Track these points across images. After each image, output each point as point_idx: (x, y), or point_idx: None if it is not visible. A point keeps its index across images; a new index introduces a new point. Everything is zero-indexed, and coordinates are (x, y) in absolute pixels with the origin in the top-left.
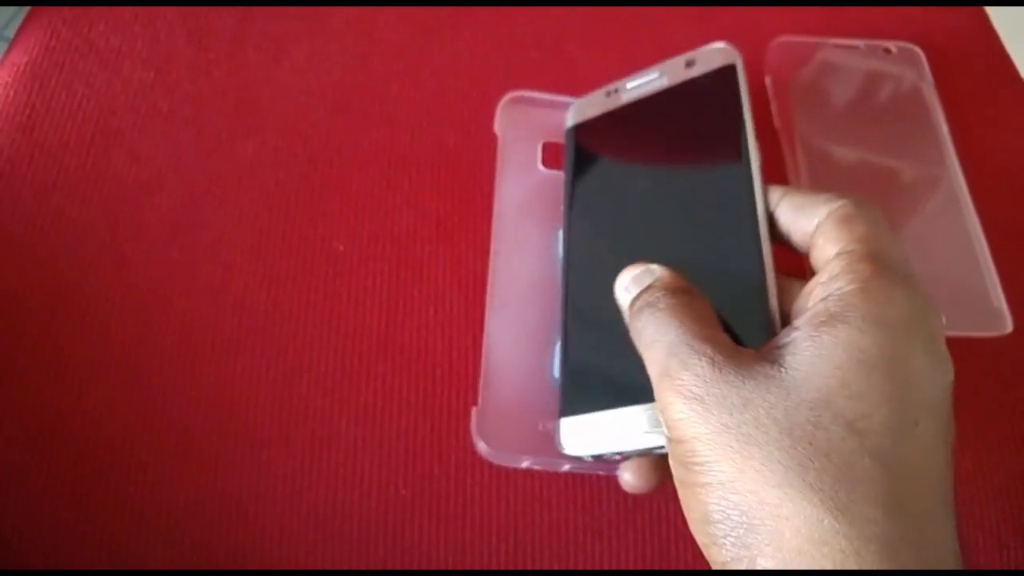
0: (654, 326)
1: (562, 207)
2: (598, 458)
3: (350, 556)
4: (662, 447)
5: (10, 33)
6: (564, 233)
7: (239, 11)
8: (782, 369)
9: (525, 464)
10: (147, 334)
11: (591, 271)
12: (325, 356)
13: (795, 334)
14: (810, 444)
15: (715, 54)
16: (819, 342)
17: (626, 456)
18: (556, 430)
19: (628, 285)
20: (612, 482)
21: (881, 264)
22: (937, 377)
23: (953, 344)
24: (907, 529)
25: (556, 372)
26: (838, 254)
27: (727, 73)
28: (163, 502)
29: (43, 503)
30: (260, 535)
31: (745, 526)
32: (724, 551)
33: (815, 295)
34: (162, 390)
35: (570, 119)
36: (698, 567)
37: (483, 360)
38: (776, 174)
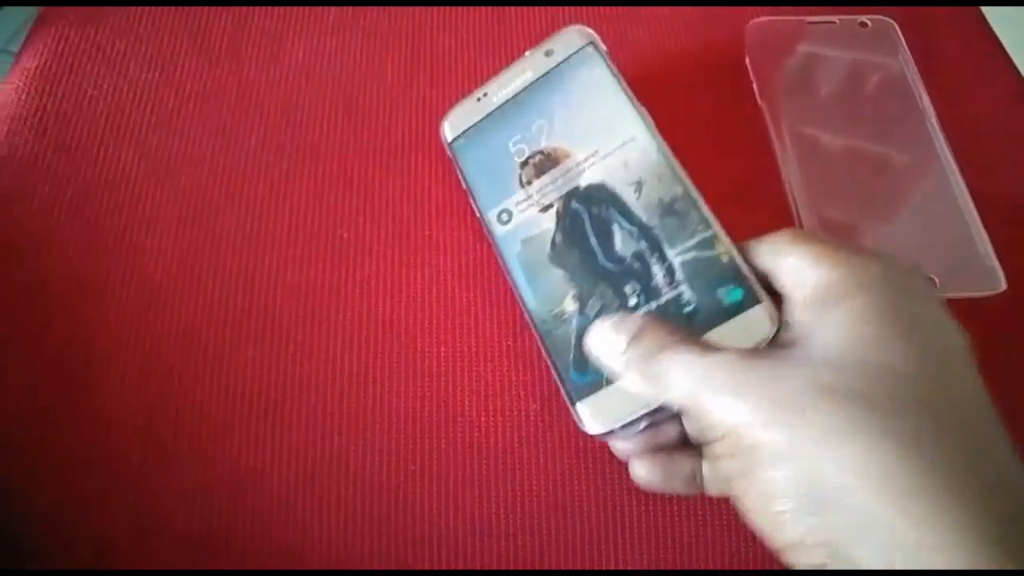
0: (675, 368)
1: (479, 214)
2: (625, 428)
3: (362, 532)
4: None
5: (14, 48)
6: (496, 241)
7: (238, 12)
8: (802, 348)
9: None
10: (160, 320)
11: (540, 263)
12: (333, 338)
13: (796, 323)
14: (858, 395)
15: (572, 37)
16: (826, 319)
17: (651, 419)
18: (575, 415)
19: (609, 336)
20: (610, 452)
21: (846, 250)
22: (949, 329)
23: (951, 306)
24: (969, 459)
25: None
26: (800, 260)
27: (589, 53)
28: (179, 481)
29: (65, 483)
30: (271, 513)
31: (813, 492)
32: (792, 527)
33: (796, 294)
34: (176, 373)
35: (449, 132)
36: (700, 531)
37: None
38: (763, 151)
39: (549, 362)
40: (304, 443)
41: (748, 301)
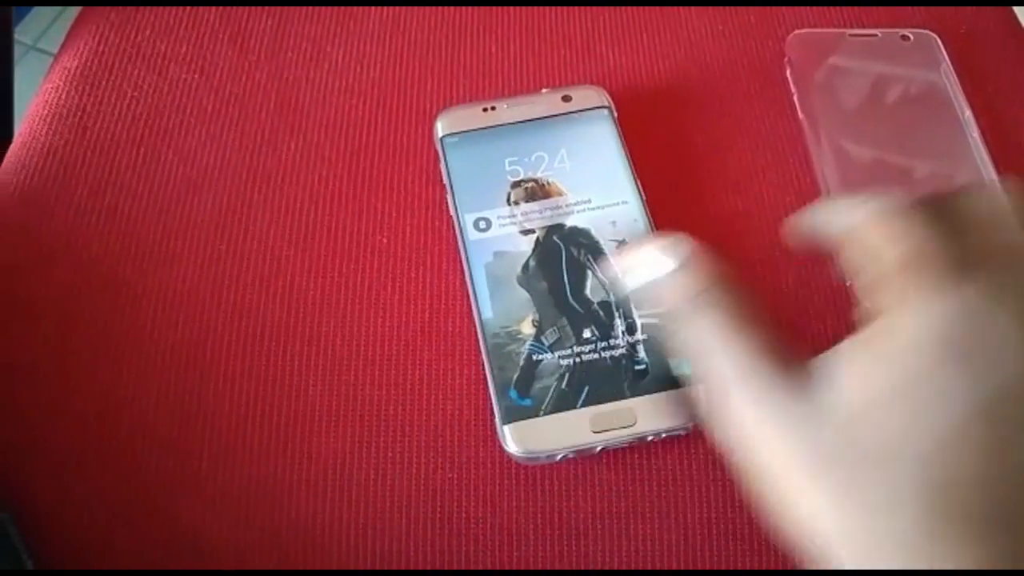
0: (705, 341)
1: (454, 214)
2: (550, 458)
3: (400, 540)
4: (606, 446)
5: (43, 45)
6: (466, 244)
7: (278, 13)
8: (823, 395)
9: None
10: (198, 324)
11: (507, 280)
12: (372, 344)
13: (840, 351)
14: (845, 475)
15: (591, 93)
16: (854, 365)
17: (576, 454)
18: (499, 433)
19: (653, 256)
20: (648, 464)
21: (915, 274)
22: (966, 391)
23: None
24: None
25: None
26: (878, 265)
27: (603, 114)
28: (214, 485)
29: (102, 486)
30: (309, 518)
31: (795, 525)
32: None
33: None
34: (213, 378)
35: (442, 128)
36: (739, 546)
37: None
38: (802, 165)
39: (488, 375)
40: (343, 448)
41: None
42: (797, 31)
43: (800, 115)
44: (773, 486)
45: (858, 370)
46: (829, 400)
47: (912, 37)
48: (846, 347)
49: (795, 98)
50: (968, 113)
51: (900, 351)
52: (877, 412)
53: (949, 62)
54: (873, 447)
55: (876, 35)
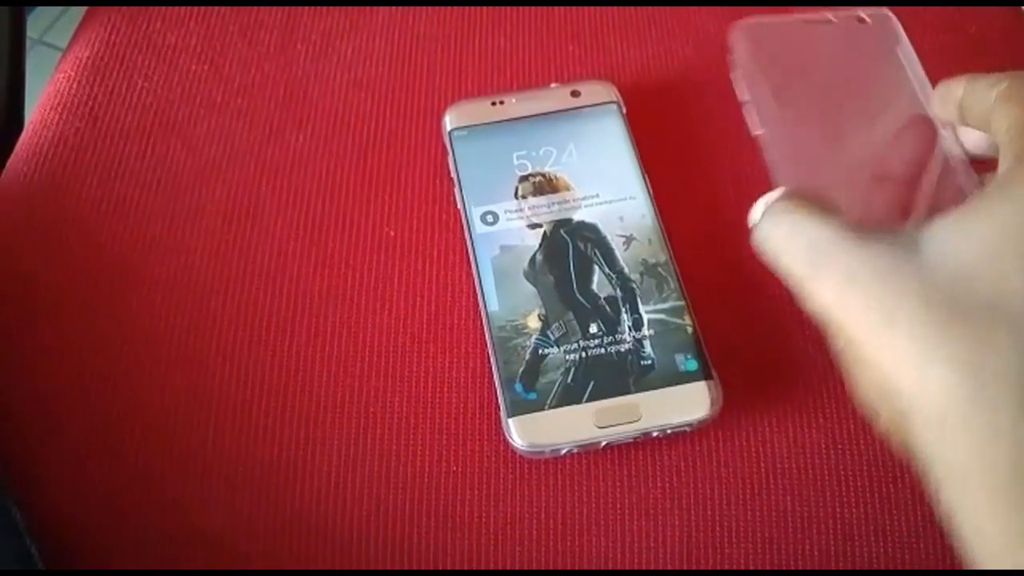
0: (787, 226)
1: (462, 207)
2: (554, 452)
3: (403, 532)
4: (610, 441)
5: (50, 39)
6: (473, 238)
7: (288, 8)
8: (926, 251)
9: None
10: (205, 312)
11: (514, 274)
12: (377, 337)
13: (944, 217)
14: (948, 318)
15: (600, 88)
16: (963, 217)
17: (580, 448)
18: (504, 426)
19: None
20: (652, 460)
21: None
22: None
23: None
24: None
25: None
26: (1002, 136)
27: (612, 109)
28: (219, 474)
29: (109, 473)
30: (312, 508)
31: (893, 395)
32: (881, 423)
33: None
34: (219, 367)
35: (450, 122)
36: (741, 546)
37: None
38: (755, 165)
39: (493, 369)
40: (347, 439)
41: (699, 375)
42: (740, 20)
43: (749, 110)
44: (876, 344)
45: (967, 228)
46: (935, 255)
47: (868, 19)
48: (951, 214)
49: (742, 93)
50: (929, 91)
51: (1013, 207)
52: (994, 263)
53: (907, 40)
54: (988, 295)
55: (830, 19)
